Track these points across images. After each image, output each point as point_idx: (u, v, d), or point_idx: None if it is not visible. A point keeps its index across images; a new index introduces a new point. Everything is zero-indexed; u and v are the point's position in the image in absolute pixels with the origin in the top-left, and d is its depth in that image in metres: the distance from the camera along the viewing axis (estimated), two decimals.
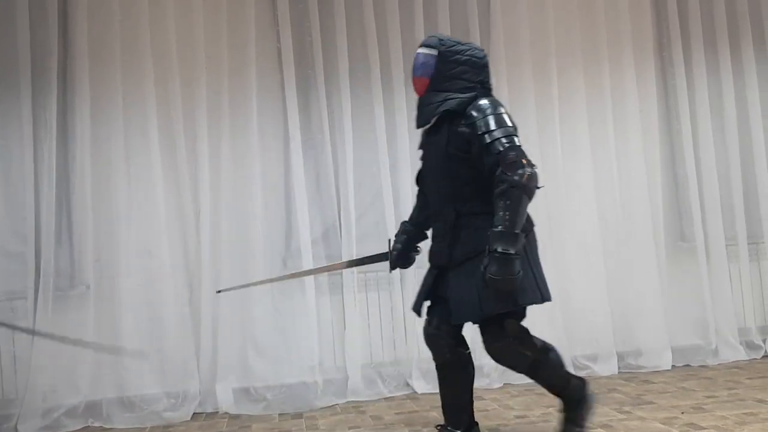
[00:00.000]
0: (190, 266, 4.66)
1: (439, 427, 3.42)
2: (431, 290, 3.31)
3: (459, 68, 3.19)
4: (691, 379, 4.59)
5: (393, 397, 4.62)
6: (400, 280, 4.78)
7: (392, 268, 3.60)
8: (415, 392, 4.65)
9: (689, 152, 5.19)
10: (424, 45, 3.30)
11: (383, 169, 4.84)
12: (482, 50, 3.31)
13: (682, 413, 3.73)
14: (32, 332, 4.01)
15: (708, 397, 4.07)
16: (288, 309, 4.70)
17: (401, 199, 4.82)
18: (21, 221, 4.47)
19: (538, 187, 3.01)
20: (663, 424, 3.55)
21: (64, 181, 4.57)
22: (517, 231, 2.92)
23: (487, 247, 2.92)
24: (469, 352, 3.35)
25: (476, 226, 3.08)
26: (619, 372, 4.88)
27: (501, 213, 2.92)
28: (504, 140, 2.99)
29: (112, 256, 4.54)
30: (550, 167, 4.87)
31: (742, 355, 5.05)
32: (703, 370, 4.84)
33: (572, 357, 4.75)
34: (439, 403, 3.42)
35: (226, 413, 4.46)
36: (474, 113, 3.08)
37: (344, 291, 4.75)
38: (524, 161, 2.96)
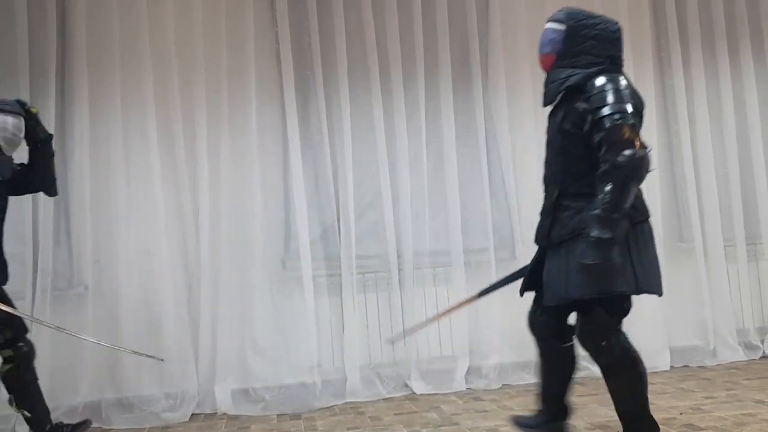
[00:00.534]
0: (189, 266, 4.67)
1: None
2: (533, 272, 3.18)
3: (587, 43, 2.98)
4: (689, 379, 4.59)
5: (392, 398, 4.61)
6: (399, 281, 4.78)
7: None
8: (414, 393, 4.64)
9: (687, 153, 5.19)
10: (552, 20, 3.09)
11: (382, 169, 4.84)
12: (616, 23, 3.07)
13: (681, 414, 3.73)
14: (57, 328, 3.95)
15: (706, 397, 4.07)
16: (287, 310, 4.71)
17: (400, 199, 4.82)
18: (19, 221, 4.45)
19: (649, 171, 2.80)
20: (662, 424, 3.50)
21: (63, 181, 4.56)
22: (616, 215, 2.72)
23: (585, 230, 2.78)
24: (570, 345, 3.18)
25: (578, 208, 2.93)
26: None
27: (601, 196, 2.74)
28: (616, 116, 2.78)
29: (111, 257, 4.54)
30: None
31: (740, 355, 5.05)
32: (701, 371, 4.84)
33: None
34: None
35: (225, 414, 4.46)
36: (592, 87, 2.89)
37: (343, 292, 4.74)
38: (632, 141, 2.75)
